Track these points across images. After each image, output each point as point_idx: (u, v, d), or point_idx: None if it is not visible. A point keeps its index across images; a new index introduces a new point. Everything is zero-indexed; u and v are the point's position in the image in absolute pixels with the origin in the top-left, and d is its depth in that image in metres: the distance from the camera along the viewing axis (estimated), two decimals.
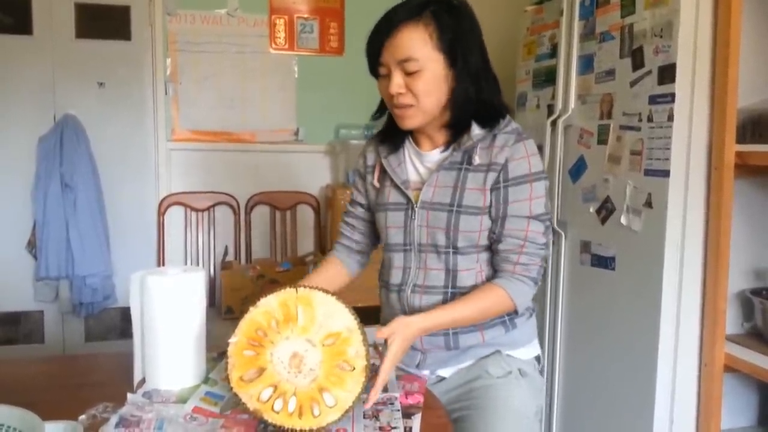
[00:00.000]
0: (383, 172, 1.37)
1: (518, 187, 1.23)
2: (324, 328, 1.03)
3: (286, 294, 1.04)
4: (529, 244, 1.23)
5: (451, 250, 1.27)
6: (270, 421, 1.01)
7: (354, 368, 1.01)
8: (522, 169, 1.22)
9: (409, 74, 1.19)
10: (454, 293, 1.28)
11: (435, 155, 1.30)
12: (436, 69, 1.20)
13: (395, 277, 1.34)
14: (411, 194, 1.30)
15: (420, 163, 1.33)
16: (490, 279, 1.28)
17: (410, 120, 1.25)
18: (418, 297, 1.31)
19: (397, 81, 1.20)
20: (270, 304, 1.05)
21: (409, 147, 1.35)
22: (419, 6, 1.19)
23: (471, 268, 1.28)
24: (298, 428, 1.00)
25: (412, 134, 1.34)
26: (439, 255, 1.28)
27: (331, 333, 1.03)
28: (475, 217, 1.24)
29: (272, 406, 1.01)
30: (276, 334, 1.03)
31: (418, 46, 1.18)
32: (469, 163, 1.25)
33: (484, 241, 1.27)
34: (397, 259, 1.34)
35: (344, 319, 1.03)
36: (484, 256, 1.28)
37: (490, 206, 1.24)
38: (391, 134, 1.35)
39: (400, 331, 1.13)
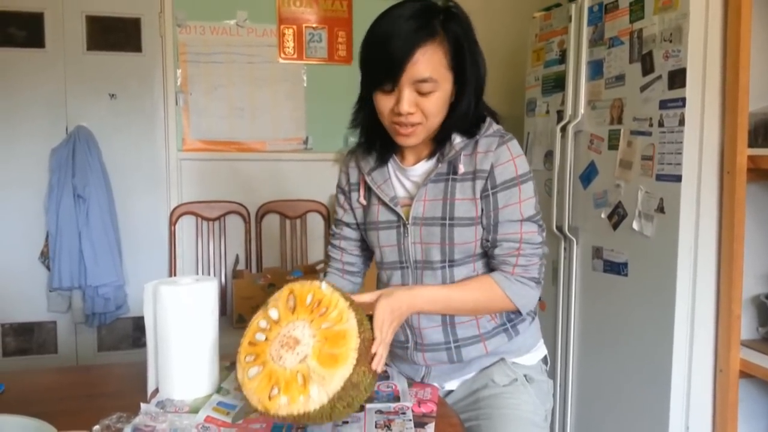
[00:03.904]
0: (368, 189, 1.31)
1: (507, 191, 1.19)
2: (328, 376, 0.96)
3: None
4: (525, 246, 1.19)
5: (447, 263, 1.24)
6: (239, 377, 1.02)
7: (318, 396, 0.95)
8: (509, 172, 1.19)
9: (422, 94, 1.13)
10: None
11: (419, 168, 1.26)
12: (447, 87, 1.16)
13: None
14: (401, 211, 1.26)
15: (405, 178, 1.27)
16: None
17: (415, 138, 1.19)
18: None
19: (410, 99, 1.13)
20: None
21: (391, 161, 1.29)
22: (427, 18, 1.11)
23: (468, 276, 1.25)
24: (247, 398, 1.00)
25: (395, 147, 1.27)
26: (434, 270, 1.25)
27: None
28: (469, 228, 1.21)
29: (248, 373, 1.02)
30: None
31: (437, 67, 1.12)
32: (455, 173, 1.21)
33: (479, 250, 1.24)
34: (396, 276, 1.30)
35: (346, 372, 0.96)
36: (480, 263, 1.25)
37: (482, 215, 1.21)
38: (373, 148, 1.28)
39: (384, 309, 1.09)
